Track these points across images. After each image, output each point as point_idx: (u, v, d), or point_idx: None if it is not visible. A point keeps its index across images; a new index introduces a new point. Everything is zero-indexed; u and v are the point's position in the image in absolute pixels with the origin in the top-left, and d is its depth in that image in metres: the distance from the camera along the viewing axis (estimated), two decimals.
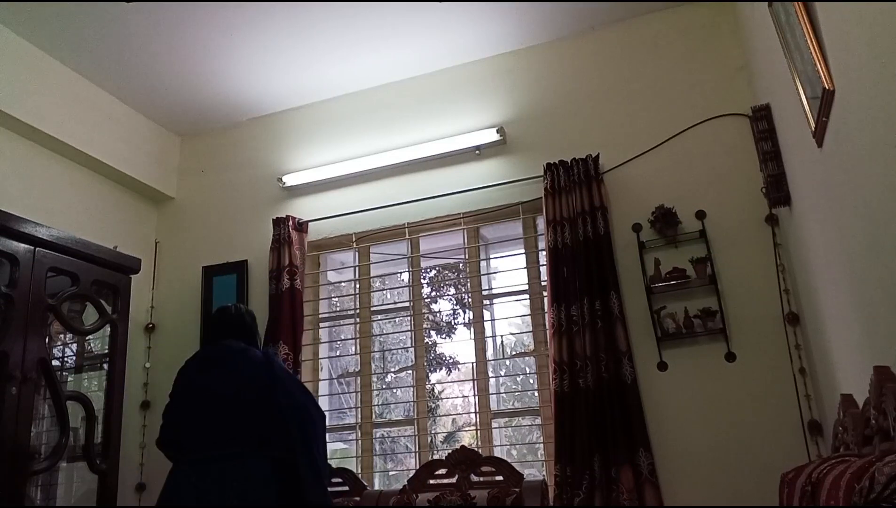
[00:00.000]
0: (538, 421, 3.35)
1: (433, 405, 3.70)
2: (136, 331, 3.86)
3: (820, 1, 1.68)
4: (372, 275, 3.85)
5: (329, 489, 3.10)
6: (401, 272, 3.86)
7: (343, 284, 4.01)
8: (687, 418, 2.94)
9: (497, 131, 3.55)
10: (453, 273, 3.90)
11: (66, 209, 3.58)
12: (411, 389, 3.57)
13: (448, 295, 3.91)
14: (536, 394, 3.35)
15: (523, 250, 3.55)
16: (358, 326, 3.74)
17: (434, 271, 3.97)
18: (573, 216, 3.22)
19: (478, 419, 3.39)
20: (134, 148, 3.98)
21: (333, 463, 3.29)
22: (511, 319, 3.60)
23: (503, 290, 3.60)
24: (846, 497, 1.13)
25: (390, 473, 3.58)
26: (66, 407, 2.89)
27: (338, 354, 3.96)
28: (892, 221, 1.43)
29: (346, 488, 3.18)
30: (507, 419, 3.54)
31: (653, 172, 3.27)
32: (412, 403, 3.57)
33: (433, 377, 3.79)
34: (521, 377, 3.66)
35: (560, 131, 3.50)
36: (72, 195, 3.65)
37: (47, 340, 2.91)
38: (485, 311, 3.56)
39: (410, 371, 3.62)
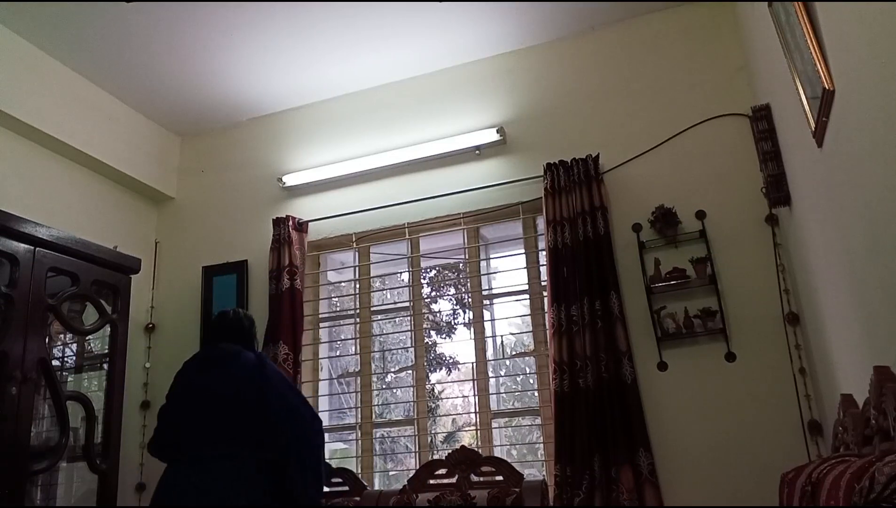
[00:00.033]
0: (538, 421, 3.35)
1: (433, 405, 3.70)
2: (136, 331, 3.86)
3: (820, 1, 1.68)
4: (372, 275, 3.85)
5: (329, 489, 3.12)
6: (401, 272, 3.86)
7: (343, 284, 4.01)
8: (687, 418, 2.94)
9: (497, 131, 3.55)
10: (453, 273, 3.90)
11: (66, 209, 3.58)
12: (411, 389, 3.57)
13: (448, 295, 3.91)
14: (536, 394, 3.35)
15: (523, 250, 3.54)
16: (358, 326, 3.74)
17: (434, 271, 3.97)
18: (573, 216, 3.22)
19: (478, 419, 3.39)
20: (134, 148, 3.98)
21: (333, 463, 3.30)
22: (511, 319, 3.59)
23: (503, 290, 3.60)
24: (846, 497, 1.13)
25: (390, 473, 3.58)
26: (66, 407, 2.90)
27: (338, 354, 3.96)
28: (892, 221, 1.43)
29: (346, 488, 3.18)
30: (507, 419, 3.54)
31: (653, 172, 3.27)
32: (412, 403, 3.57)
33: (433, 377, 3.79)
34: (521, 377, 3.66)
35: (560, 131, 3.50)
36: (72, 195, 3.65)
37: (47, 340, 2.91)
38: (485, 311, 3.56)
39: (410, 371, 3.62)
